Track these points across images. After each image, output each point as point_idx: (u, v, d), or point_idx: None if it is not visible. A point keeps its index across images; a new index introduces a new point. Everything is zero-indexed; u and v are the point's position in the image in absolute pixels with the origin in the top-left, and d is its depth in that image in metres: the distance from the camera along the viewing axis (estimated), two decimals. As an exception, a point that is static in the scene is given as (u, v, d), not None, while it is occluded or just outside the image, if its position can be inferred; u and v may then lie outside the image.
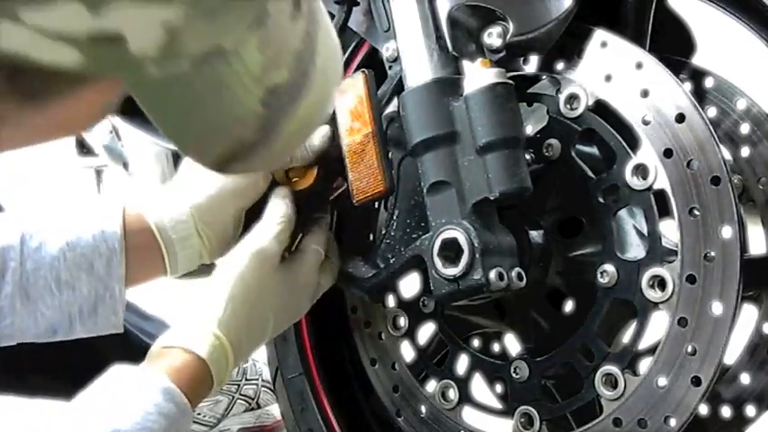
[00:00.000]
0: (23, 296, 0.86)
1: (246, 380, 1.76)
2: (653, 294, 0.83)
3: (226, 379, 0.83)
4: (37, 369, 1.09)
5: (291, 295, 0.91)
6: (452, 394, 0.99)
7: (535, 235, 0.92)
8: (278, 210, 0.92)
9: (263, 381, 1.77)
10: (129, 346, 1.10)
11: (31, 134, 0.50)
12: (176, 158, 1.56)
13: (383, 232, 0.93)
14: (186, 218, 0.92)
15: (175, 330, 0.83)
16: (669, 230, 0.84)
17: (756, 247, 0.92)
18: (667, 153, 0.82)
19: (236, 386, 1.74)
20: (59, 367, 0.98)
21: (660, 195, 0.83)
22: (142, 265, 0.92)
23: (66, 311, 0.88)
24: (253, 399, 1.77)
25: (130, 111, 1.60)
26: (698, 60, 1.02)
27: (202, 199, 0.92)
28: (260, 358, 1.79)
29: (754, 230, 0.92)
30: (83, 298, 0.88)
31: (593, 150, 0.91)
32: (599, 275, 0.86)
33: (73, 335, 0.90)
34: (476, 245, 0.82)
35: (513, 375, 0.94)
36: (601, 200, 0.87)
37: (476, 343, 1.01)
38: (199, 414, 1.69)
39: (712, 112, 0.95)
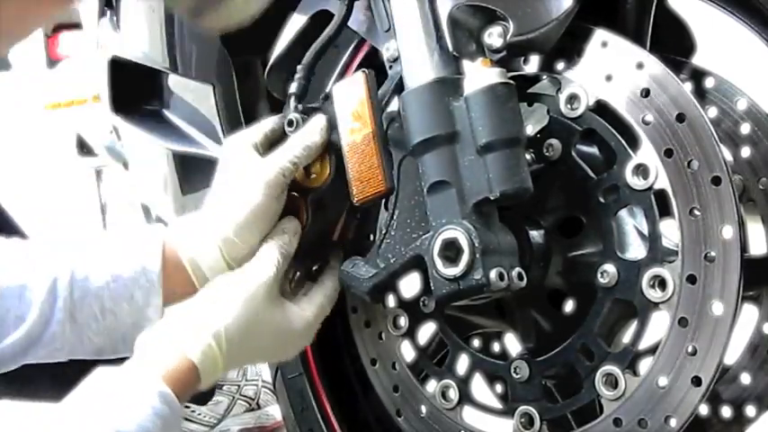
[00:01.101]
0: (72, 321, 0.95)
1: (247, 380, 1.76)
2: (653, 294, 0.83)
3: (211, 383, 0.87)
4: (42, 373, 1.13)
5: (289, 332, 0.93)
6: (452, 394, 0.99)
7: (536, 235, 0.92)
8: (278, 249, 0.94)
9: (263, 381, 1.77)
10: None
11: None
12: (176, 159, 1.56)
13: (383, 232, 0.93)
14: (216, 254, 0.96)
15: (170, 328, 0.87)
16: (669, 230, 0.84)
17: (757, 247, 0.92)
18: (668, 153, 0.82)
19: (237, 387, 1.74)
20: (64, 372, 1.01)
21: (660, 195, 0.83)
22: (177, 293, 0.97)
23: (111, 337, 0.97)
24: (253, 399, 1.77)
25: (130, 111, 1.59)
26: (698, 60, 1.02)
27: (230, 232, 0.95)
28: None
29: (755, 230, 0.92)
30: (125, 325, 0.97)
31: (594, 150, 0.91)
32: (599, 275, 0.86)
33: (116, 355, 0.98)
34: (476, 245, 0.82)
35: (514, 375, 0.94)
36: (601, 200, 0.87)
37: (476, 343, 1.01)
38: (199, 414, 1.69)
39: (713, 112, 0.96)
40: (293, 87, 0.98)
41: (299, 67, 0.99)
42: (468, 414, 0.99)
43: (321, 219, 0.97)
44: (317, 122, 0.95)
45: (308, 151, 0.94)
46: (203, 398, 1.67)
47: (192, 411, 1.68)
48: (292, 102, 0.97)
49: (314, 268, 1.00)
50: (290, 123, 0.96)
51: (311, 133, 0.94)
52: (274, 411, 1.76)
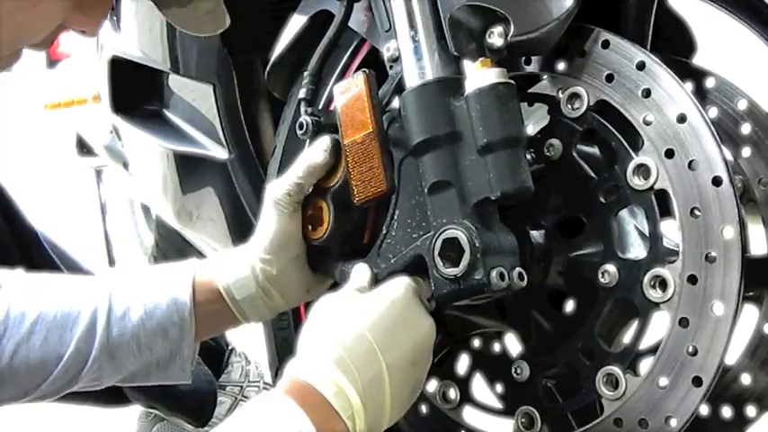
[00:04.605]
0: (110, 357, 0.99)
1: (249, 382, 1.77)
2: (654, 294, 0.83)
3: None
4: None
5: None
6: (453, 394, 0.99)
7: (536, 235, 0.92)
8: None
9: (264, 383, 1.78)
10: None
11: None
12: (176, 159, 1.56)
13: (384, 232, 0.93)
14: (248, 282, 0.99)
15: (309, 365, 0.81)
16: (670, 231, 0.84)
17: (757, 248, 0.92)
18: (669, 153, 0.82)
19: (239, 388, 1.75)
20: None
21: (661, 195, 0.83)
22: (214, 323, 1.03)
23: (146, 365, 1.01)
24: None
25: (130, 111, 1.60)
26: (698, 60, 1.02)
27: (256, 254, 0.98)
28: (262, 361, 1.80)
29: (755, 230, 0.92)
30: (159, 357, 1.00)
31: (595, 150, 0.91)
32: (600, 275, 0.86)
33: (148, 382, 1.04)
34: (477, 245, 0.82)
35: (514, 375, 0.94)
36: (602, 200, 0.87)
37: (476, 343, 1.01)
38: None
39: (713, 112, 0.96)
40: (302, 93, 0.99)
41: (306, 72, 0.99)
42: (469, 414, 0.99)
43: (345, 218, 0.96)
44: (322, 143, 0.95)
45: (312, 171, 0.95)
46: (204, 419, 1.68)
47: None
48: (302, 106, 0.98)
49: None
50: (301, 126, 0.96)
51: (315, 154, 0.95)
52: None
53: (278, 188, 0.96)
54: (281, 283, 0.98)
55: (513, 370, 0.94)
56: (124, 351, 0.98)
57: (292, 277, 0.99)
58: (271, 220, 0.97)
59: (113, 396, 1.52)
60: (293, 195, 0.95)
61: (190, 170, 1.55)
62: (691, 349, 0.80)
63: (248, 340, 1.80)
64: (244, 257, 0.99)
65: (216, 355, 1.76)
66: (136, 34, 1.52)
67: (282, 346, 1.18)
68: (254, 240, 0.99)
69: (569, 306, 0.94)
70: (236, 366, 1.76)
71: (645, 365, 0.85)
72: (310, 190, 0.97)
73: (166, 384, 1.06)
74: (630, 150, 0.85)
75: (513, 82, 0.85)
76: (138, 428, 1.72)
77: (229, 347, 1.79)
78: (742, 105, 0.95)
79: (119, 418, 1.78)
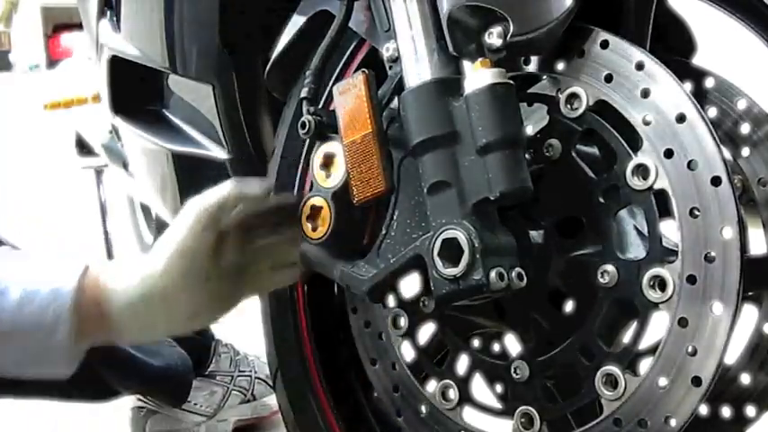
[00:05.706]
0: None
1: (240, 371, 1.79)
2: (653, 294, 0.83)
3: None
4: None
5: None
6: (452, 394, 0.99)
7: (535, 235, 0.92)
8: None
9: (255, 372, 1.80)
10: None
11: None
12: (176, 159, 1.56)
13: (383, 232, 0.93)
14: (133, 283, 0.96)
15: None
16: (669, 231, 0.84)
17: (756, 248, 0.92)
18: (668, 153, 0.82)
19: (230, 377, 1.77)
20: None
21: (661, 196, 0.83)
22: (92, 329, 0.97)
23: (18, 358, 0.96)
24: (247, 390, 1.80)
25: (130, 111, 1.59)
26: (698, 60, 1.02)
27: (156, 270, 0.96)
28: (251, 351, 1.81)
29: (755, 230, 0.92)
30: (34, 347, 0.95)
31: (594, 150, 0.91)
32: (599, 275, 0.86)
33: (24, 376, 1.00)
34: (476, 245, 0.82)
35: (514, 375, 0.94)
36: (601, 200, 0.87)
37: (476, 343, 1.01)
38: (195, 404, 1.73)
39: (713, 112, 0.96)
40: (304, 92, 0.98)
41: (308, 72, 0.99)
42: (469, 414, 0.99)
43: (346, 218, 0.96)
44: (264, 184, 0.97)
45: (239, 197, 0.96)
46: (179, 397, 1.69)
47: (189, 402, 1.70)
48: (305, 106, 0.97)
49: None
50: (303, 126, 0.96)
51: (250, 187, 0.96)
52: (270, 401, 1.79)
53: (200, 201, 0.95)
54: (167, 300, 0.95)
55: (512, 370, 0.94)
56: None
57: (182, 296, 0.96)
58: (175, 232, 0.95)
59: (101, 392, 1.53)
60: (213, 213, 0.94)
61: (190, 171, 1.55)
62: (690, 349, 0.80)
63: (244, 339, 1.81)
64: (138, 266, 0.97)
65: (201, 347, 1.77)
66: (135, 34, 1.52)
67: (282, 344, 1.18)
68: (153, 248, 0.96)
69: (568, 306, 0.95)
70: (224, 356, 1.78)
71: (644, 365, 0.85)
72: (227, 224, 0.95)
73: (140, 366, 1.03)
74: (629, 150, 0.85)
75: (512, 82, 0.85)
76: (132, 425, 1.73)
77: (215, 339, 1.80)
78: (741, 105, 0.95)
79: (114, 418, 1.78)
